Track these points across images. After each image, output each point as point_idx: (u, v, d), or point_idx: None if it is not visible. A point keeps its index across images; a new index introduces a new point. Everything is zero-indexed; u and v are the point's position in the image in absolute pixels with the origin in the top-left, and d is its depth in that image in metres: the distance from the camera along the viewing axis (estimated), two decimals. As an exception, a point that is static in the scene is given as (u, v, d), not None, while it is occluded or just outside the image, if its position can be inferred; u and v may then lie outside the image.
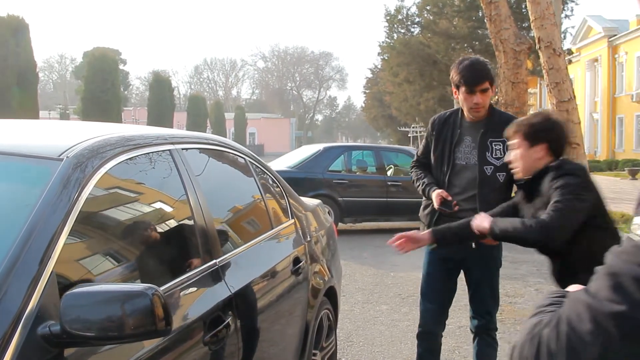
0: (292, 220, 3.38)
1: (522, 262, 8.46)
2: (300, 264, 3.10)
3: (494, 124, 3.31)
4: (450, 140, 3.38)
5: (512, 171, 2.79)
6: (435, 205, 3.29)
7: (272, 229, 3.05)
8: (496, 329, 3.58)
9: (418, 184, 3.49)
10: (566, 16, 23.56)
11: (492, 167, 3.31)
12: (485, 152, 3.32)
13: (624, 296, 0.84)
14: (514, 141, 2.73)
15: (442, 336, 3.60)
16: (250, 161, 3.13)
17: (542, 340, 0.92)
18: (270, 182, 3.36)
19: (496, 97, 18.69)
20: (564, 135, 2.76)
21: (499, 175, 3.29)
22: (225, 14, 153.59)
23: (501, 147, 3.29)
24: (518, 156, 2.72)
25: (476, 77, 3.24)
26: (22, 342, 1.37)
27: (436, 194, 3.29)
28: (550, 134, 2.71)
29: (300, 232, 3.41)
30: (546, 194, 2.61)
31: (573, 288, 1.17)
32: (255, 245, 2.76)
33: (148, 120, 48.80)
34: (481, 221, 2.77)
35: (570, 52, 30.11)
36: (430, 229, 3.07)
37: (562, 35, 17.86)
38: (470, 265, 3.45)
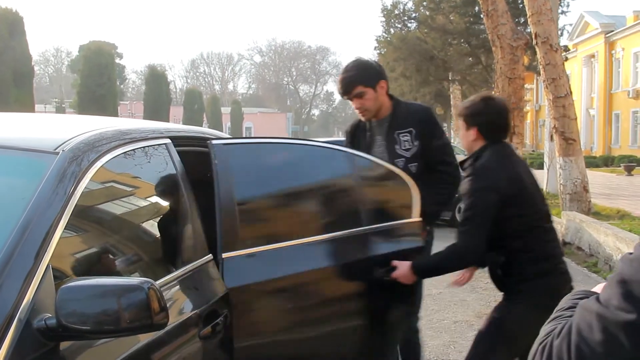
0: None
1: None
2: None
3: (398, 117, 3.36)
4: (365, 144, 3.41)
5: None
6: None
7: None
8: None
9: None
10: (563, 12, 23.52)
11: (403, 159, 3.32)
12: (394, 146, 3.34)
13: (635, 304, 0.82)
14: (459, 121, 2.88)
15: None
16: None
17: (553, 352, 0.90)
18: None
19: (493, 92, 18.72)
20: (496, 120, 2.80)
21: (410, 166, 3.30)
22: (222, 7, 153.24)
23: (409, 137, 3.32)
24: (460, 136, 2.89)
25: (344, 86, 3.35)
26: (17, 336, 1.37)
27: None
28: (478, 118, 2.77)
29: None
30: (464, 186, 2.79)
31: (598, 287, 1.13)
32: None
33: (144, 114, 48.71)
34: (402, 272, 2.80)
35: (567, 48, 30.14)
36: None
37: (559, 31, 17.85)
38: None
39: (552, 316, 1.06)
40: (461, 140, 2.91)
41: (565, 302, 1.09)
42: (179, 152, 2.32)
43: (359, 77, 3.29)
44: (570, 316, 0.98)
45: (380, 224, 2.93)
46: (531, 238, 2.74)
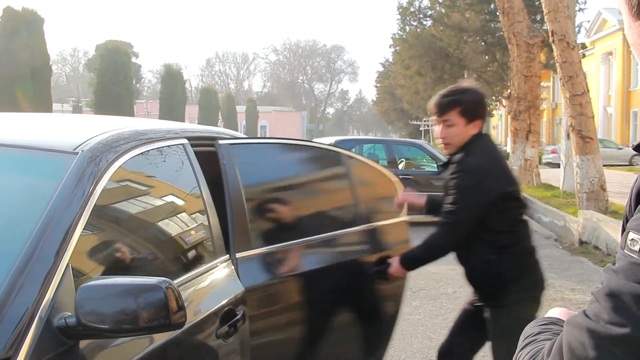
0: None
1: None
2: None
3: None
4: None
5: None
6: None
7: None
8: None
9: None
10: (580, 9, 23.37)
11: None
12: None
13: (628, 317, 0.79)
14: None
15: None
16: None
17: None
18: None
19: (509, 90, 18.62)
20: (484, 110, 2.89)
21: None
22: (238, 7, 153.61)
23: None
24: (454, 133, 2.78)
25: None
26: (38, 334, 1.39)
27: None
28: (481, 110, 2.83)
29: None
30: (444, 181, 2.80)
31: (555, 312, 1.11)
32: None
33: (160, 113, 48.97)
34: (394, 268, 2.88)
35: (584, 45, 29.89)
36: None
37: (576, 29, 17.70)
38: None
39: (523, 342, 1.02)
40: (454, 137, 2.76)
41: (531, 328, 1.05)
42: (195, 153, 2.34)
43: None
44: (544, 340, 0.96)
45: (375, 222, 3.24)
46: (519, 232, 2.80)
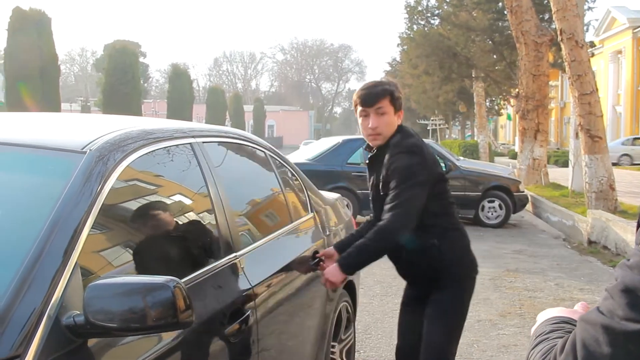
0: (312, 214, 3.39)
1: (541, 257, 8.41)
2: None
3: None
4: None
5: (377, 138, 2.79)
6: None
7: (292, 222, 3.06)
8: None
9: None
10: (589, 8, 23.23)
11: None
12: None
13: None
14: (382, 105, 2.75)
15: None
16: (269, 154, 3.14)
17: None
18: (290, 175, 3.37)
19: (517, 89, 18.55)
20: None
21: None
22: (245, 6, 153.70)
23: None
24: (386, 123, 2.75)
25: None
26: (47, 332, 1.40)
27: None
28: (401, 100, 2.82)
29: (320, 226, 3.41)
30: (385, 167, 2.71)
31: (554, 311, 1.10)
32: (275, 238, 2.77)
33: (167, 112, 49.12)
34: (331, 274, 2.65)
35: (593, 44, 29.74)
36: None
37: (585, 27, 17.62)
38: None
39: (534, 341, 1.02)
40: (387, 126, 2.76)
41: (543, 327, 1.05)
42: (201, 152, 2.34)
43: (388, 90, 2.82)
44: (557, 338, 0.95)
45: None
46: (454, 214, 2.84)
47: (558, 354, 0.88)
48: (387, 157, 2.71)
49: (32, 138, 1.95)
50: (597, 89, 10.59)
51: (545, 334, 1.01)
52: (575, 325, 0.96)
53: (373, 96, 2.74)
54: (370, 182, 2.88)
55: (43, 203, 1.65)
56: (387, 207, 2.64)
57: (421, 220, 2.65)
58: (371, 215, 3.01)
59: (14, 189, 1.79)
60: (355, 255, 2.64)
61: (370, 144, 2.85)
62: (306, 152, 11.88)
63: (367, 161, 2.89)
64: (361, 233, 2.89)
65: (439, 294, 2.76)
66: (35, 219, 1.59)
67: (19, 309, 1.39)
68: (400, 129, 2.80)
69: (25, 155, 1.85)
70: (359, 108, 2.80)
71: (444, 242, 2.72)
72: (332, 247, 2.99)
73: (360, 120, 2.83)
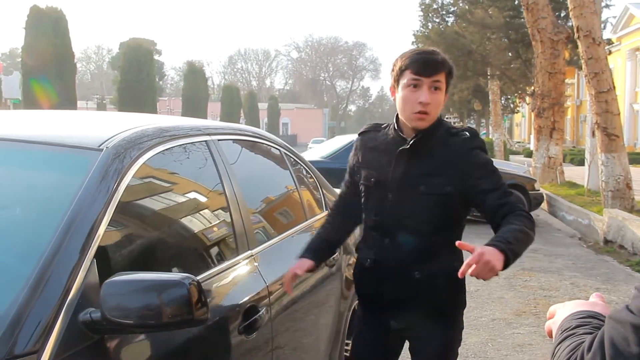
0: (326, 212, 3.38)
1: (557, 256, 8.35)
2: (334, 255, 3.11)
3: None
4: None
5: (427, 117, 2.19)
6: None
7: (307, 220, 3.07)
8: None
9: None
10: (607, 5, 22.99)
11: None
12: None
13: None
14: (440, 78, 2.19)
15: None
16: (284, 152, 3.15)
17: None
18: (305, 173, 3.38)
19: (532, 87, 18.42)
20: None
21: None
22: (260, 4, 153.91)
23: None
24: (437, 103, 2.19)
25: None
26: (64, 328, 1.41)
27: None
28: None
29: (334, 224, 3.41)
30: (456, 159, 2.17)
31: (572, 305, 1.08)
32: (290, 236, 2.78)
33: (182, 110, 49.29)
34: (495, 258, 1.85)
35: (610, 41, 29.45)
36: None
37: (602, 24, 17.45)
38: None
39: (560, 336, 1.01)
40: (438, 107, 2.20)
41: (568, 322, 1.03)
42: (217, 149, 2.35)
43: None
44: (586, 333, 0.95)
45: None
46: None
47: (586, 351, 0.88)
48: (446, 148, 2.18)
49: (49, 135, 1.97)
50: (614, 87, 10.49)
51: (572, 329, 1.01)
52: (601, 320, 0.95)
53: (433, 64, 2.16)
54: (383, 172, 2.24)
55: (60, 200, 1.66)
56: (504, 198, 2.12)
57: (450, 237, 2.08)
58: (331, 207, 2.59)
59: (31, 186, 1.80)
60: (521, 243, 2.00)
61: (411, 124, 2.20)
62: (321, 149, 11.88)
63: (408, 145, 2.20)
64: (328, 229, 2.46)
65: (446, 319, 2.29)
66: (53, 216, 1.61)
67: (37, 305, 1.41)
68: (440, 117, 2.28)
69: (42, 153, 1.87)
70: (410, 76, 2.15)
71: (459, 266, 1.95)
72: (302, 257, 2.33)
73: (403, 92, 2.17)
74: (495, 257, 1.84)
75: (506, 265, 1.89)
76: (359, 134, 2.44)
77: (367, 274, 2.31)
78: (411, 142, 2.20)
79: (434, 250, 2.19)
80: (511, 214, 2.09)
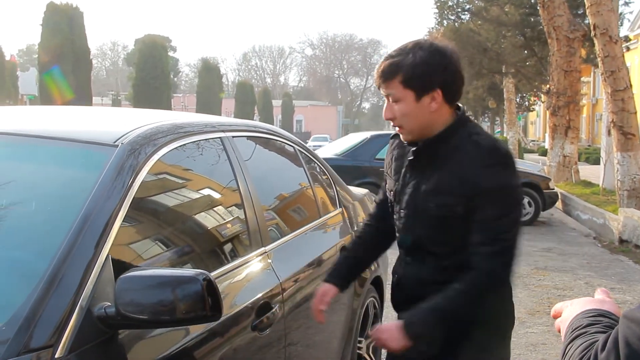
0: (340, 210, 3.39)
1: (571, 255, 8.30)
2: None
3: None
4: None
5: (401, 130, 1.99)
6: None
7: (320, 217, 3.07)
8: None
9: None
10: (626, 2, 22.75)
11: None
12: None
13: None
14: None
15: None
16: (298, 149, 3.15)
17: None
18: (319, 170, 3.38)
19: (548, 85, 18.30)
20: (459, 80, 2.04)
21: None
22: (274, 1, 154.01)
23: None
24: (406, 111, 1.92)
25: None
26: (79, 323, 1.42)
27: None
28: (443, 75, 1.97)
29: (348, 222, 3.41)
30: (465, 177, 1.86)
31: (582, 302, 1.07)
32: (303, 233, 2.78)
33: (197, 106, 49.49)
34: (391, 336, 1.85)
35: (627, 39, 29.15)
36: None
37: (619, 22, 17.28)
38: None
39: (572, 335, 1.00)
40: (405, 121, 1.93)
41: (579, 320, 1.02)
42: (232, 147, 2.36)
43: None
44: (599, 332, 0.94)
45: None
46: None
47: (599, 351, 0.87)
48: (457, 161, 1.89)
49: (65, 131, 1.98)
50: (631, 85, 10.39)
51: (583, 328, 1.00)
52: (611, 319, 0.94)
53: (379, 75, 1.95)
54: (398, 185, 2.04)
55: (75, 196, 1.68)
56: (483, 246, 1.84)
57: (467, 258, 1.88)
58: (369, 218, 2.36)
59: (47, 181, 1.82)
60: (430, 320, 1.85)
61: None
62: (334, 147, 11.89)
63: (411, 157, 1.97)
64: (358, 246, 2.27)
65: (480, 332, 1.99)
66: (68, 212, 1.62)
67: (52, 300, 1.42)
68: (461, 118, 2.00)
69: (58, 148, 1.88)
70: None
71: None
72: (327, 282, 2.18)
73: None
74: (392, 335, 1.83)
75: (417, 336, 1.82)
76: (390, 137, 2.21)
77: (395, 289, 2.15)
78: (413, 152, 1.97)
79: (456, 269, 1.89)
80: (472, 270, 1.84)
